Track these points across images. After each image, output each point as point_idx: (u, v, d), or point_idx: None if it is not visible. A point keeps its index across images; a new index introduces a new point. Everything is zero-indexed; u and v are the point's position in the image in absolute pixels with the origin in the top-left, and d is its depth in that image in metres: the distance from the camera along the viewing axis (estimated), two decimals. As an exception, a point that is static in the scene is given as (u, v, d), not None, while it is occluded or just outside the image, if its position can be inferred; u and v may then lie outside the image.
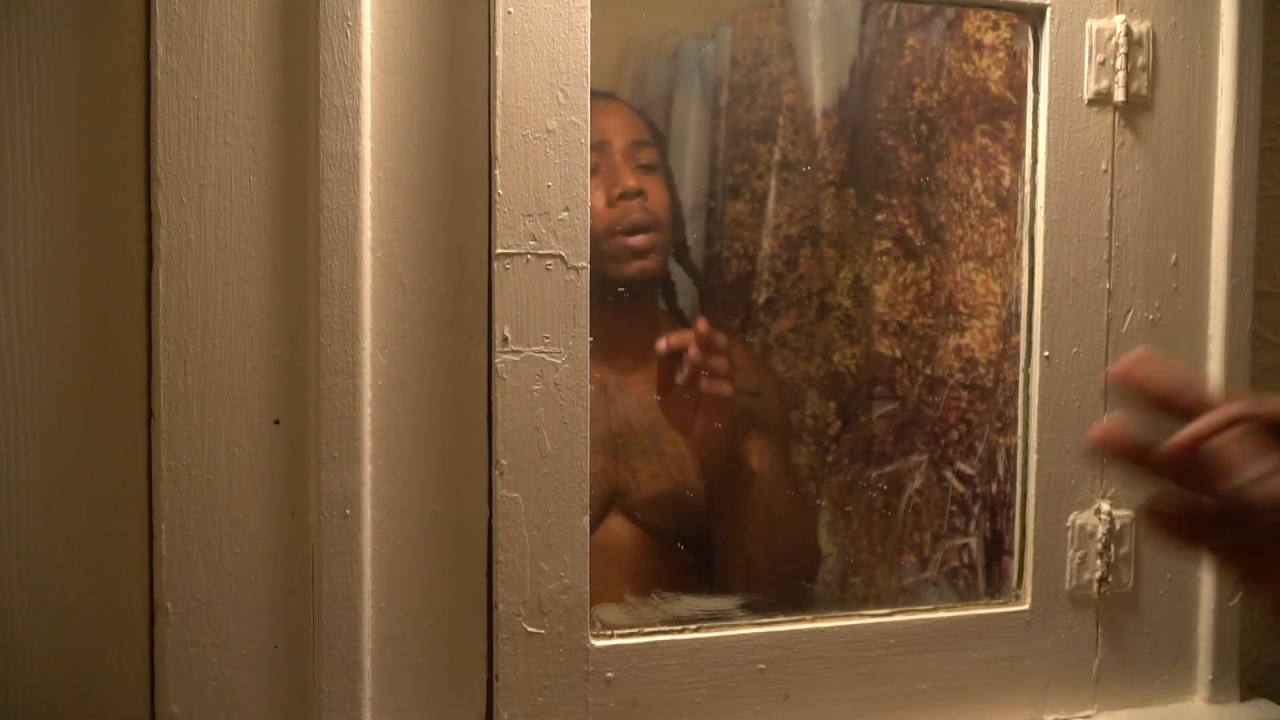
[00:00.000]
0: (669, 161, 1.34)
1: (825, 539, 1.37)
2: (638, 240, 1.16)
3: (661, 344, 1.15)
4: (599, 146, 1.17)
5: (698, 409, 1.15)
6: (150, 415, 0.83)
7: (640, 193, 1.17)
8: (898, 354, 1.42)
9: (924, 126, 1.37)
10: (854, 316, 1.44)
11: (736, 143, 1.44)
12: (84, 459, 0.83)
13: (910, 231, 1.40)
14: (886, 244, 1.42)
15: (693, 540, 1.20)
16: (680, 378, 1.15)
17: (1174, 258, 1.04)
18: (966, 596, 1.30)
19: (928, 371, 1.39)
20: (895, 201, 1.42)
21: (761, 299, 1.44)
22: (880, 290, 1.43)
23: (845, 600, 1.37)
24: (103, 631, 0.84)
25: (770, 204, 1.45)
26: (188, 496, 0.83)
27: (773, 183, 1.45)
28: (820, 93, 1.45)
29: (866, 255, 1.44)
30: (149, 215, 0.82)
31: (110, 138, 0.82)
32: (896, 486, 1.39)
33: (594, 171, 1.14)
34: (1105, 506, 1.03)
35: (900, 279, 1.41)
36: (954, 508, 1.33)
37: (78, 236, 0.82)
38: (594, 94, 1.23)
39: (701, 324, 1.16)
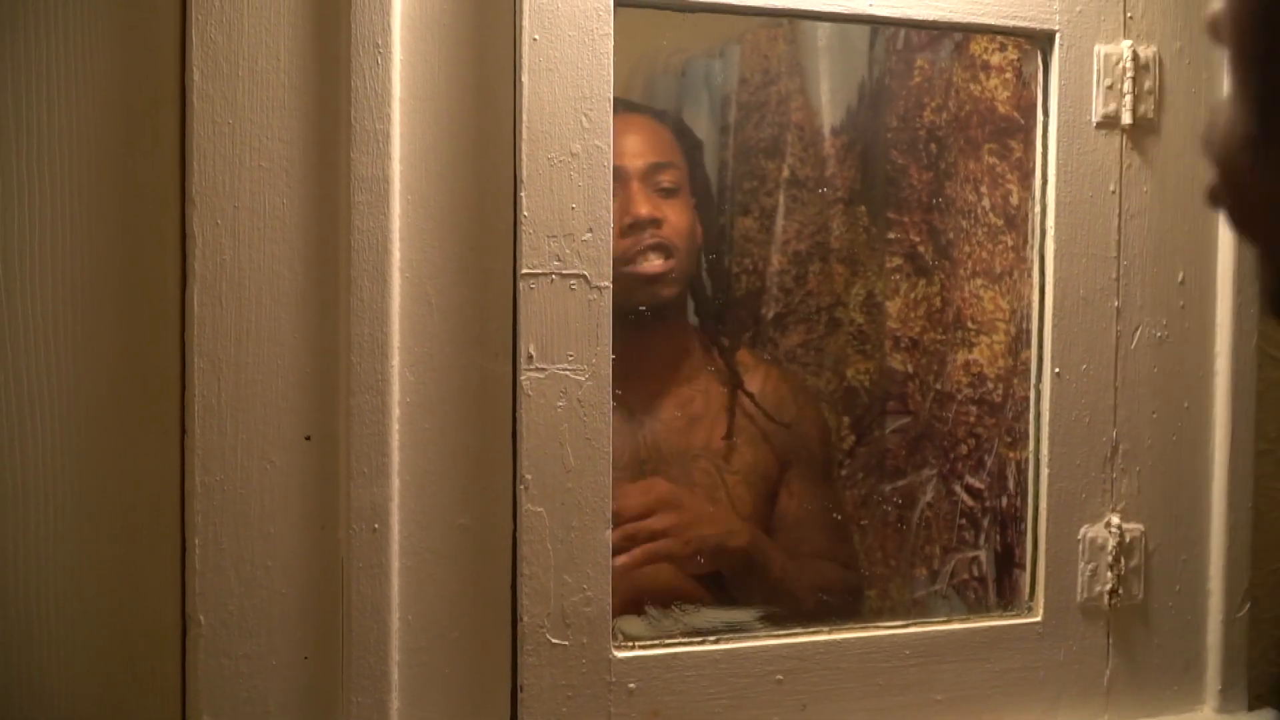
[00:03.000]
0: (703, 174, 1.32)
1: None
2: (646, 268, 1.13)
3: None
4: (614, 172, 1.16)
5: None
6: (184, 431, 0.85)
7: (654, 221, 1.13)
8: (910, 369, 1.42)
9: (933, 145, 1.39)
10: (867, 332, 1.45)
11: (745, 160, 1.46)
12: (119, 474, 0.84)
13: (921, 248, 1.41)
14: (898, 260, 1.43)
15: (726, 570, 1.18)
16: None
17: (1181, 276, 1.06)
18: (976, 608, 1.30)
19: (938, 386, 1.40)
20: (906, 219, 1.43)
21: (770, 314, 1.45)
22: (892, 306, 1.43)
23: (862, 613, 1.38)
24: (135, 643, 0.85)
25: (779, 220, 1.46)
26: (220, 510, 0.84)
27: (781, 199, 1.46)
28: (829, 111, 1.46)
29: (879, 272, 1.45)
30: (184, 236, 0.84)
31: (147, 161, 0.84)
32: (909, 500, 1.39)
33: None
34: (1115, 520, 1.05)
35: (912, 295, 1.42)
36: (963, 521, 1.34)
37: (115, 257, 0.84)
38: (622, 104, 1.23)
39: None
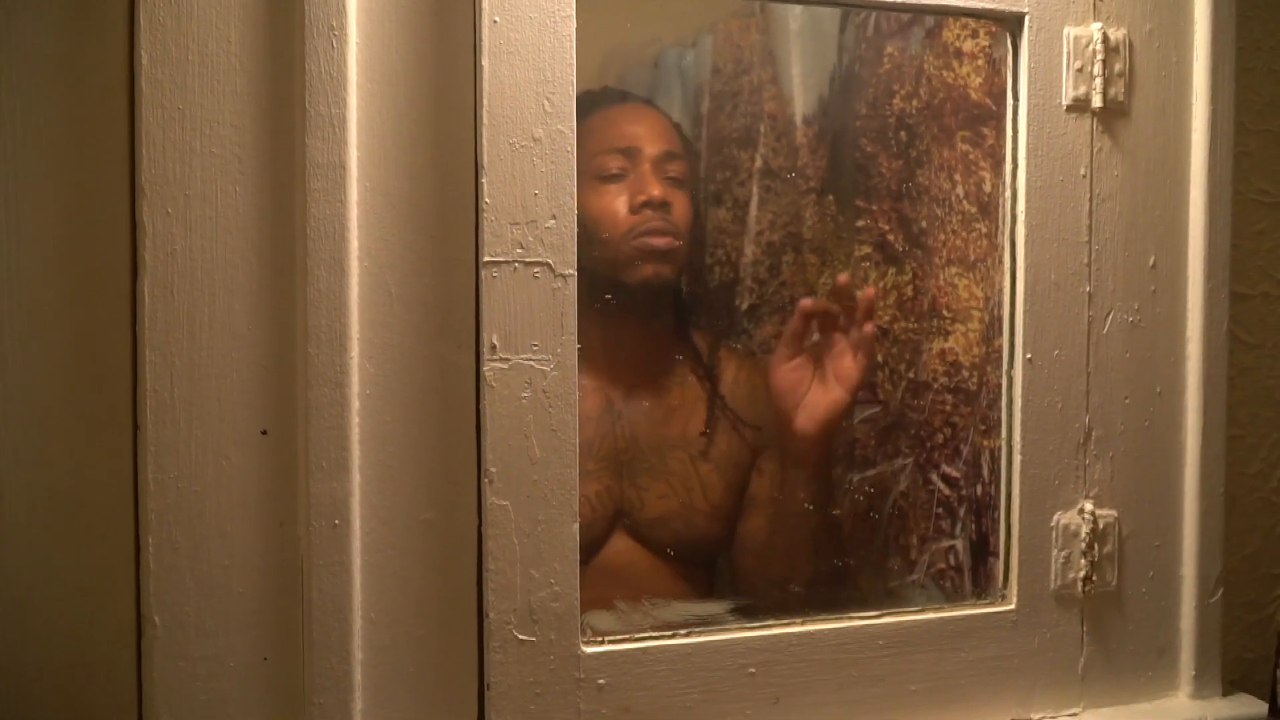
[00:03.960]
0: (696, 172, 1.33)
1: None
2: (660, 241, 1.13)
3: (806, 302, 1.15)
4: (628, 152, 1.15)
5: (813, 376, 1.15)
6: (136, 427, 0.82)
7: (665, 204, 1.14)
8: (879, 358, 1.42)
9: (903, 133, 1.38)
10: None
11: (718, 150, 1.45)
12: (69, 472, 0.82)
13: (890, 237, 1.40)
14: (866, 249, 1.43)
15: (700, 559, 1.19)
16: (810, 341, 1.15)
17: (1152, 260, 1.05)
18: (953, 598, 1.29)
19: (911, 375, 1.39)
20: (875, 207, 1.43)
21: (745, 305, 1.44)
22: (861, 295, 1.43)
23: (836, 605, 1.37)
24: (90, 646, 0.83)
25: (753, 211, 1.45)
26: (175, 509, 0.82)
27: (755, 190, 1.45)
28: (801, 100, 1.45)
29: (846, 261, 1.45)
30: (134, 226, 0.82)
31: (94, 148, 0.82)
32: (881, 490, 1.39)
33: (620, 177, 1.14)
34: (1089, 506, 1.04)
35: (881, 284, 1.42)
36: (940, 510, 1.33)
37: (62, 248, 0.81)
38: (630, 97, 1.21)
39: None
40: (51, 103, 0.81)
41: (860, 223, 1.43)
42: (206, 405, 0.83)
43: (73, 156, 0.81)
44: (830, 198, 1.44)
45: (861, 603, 1.37)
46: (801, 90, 1.45)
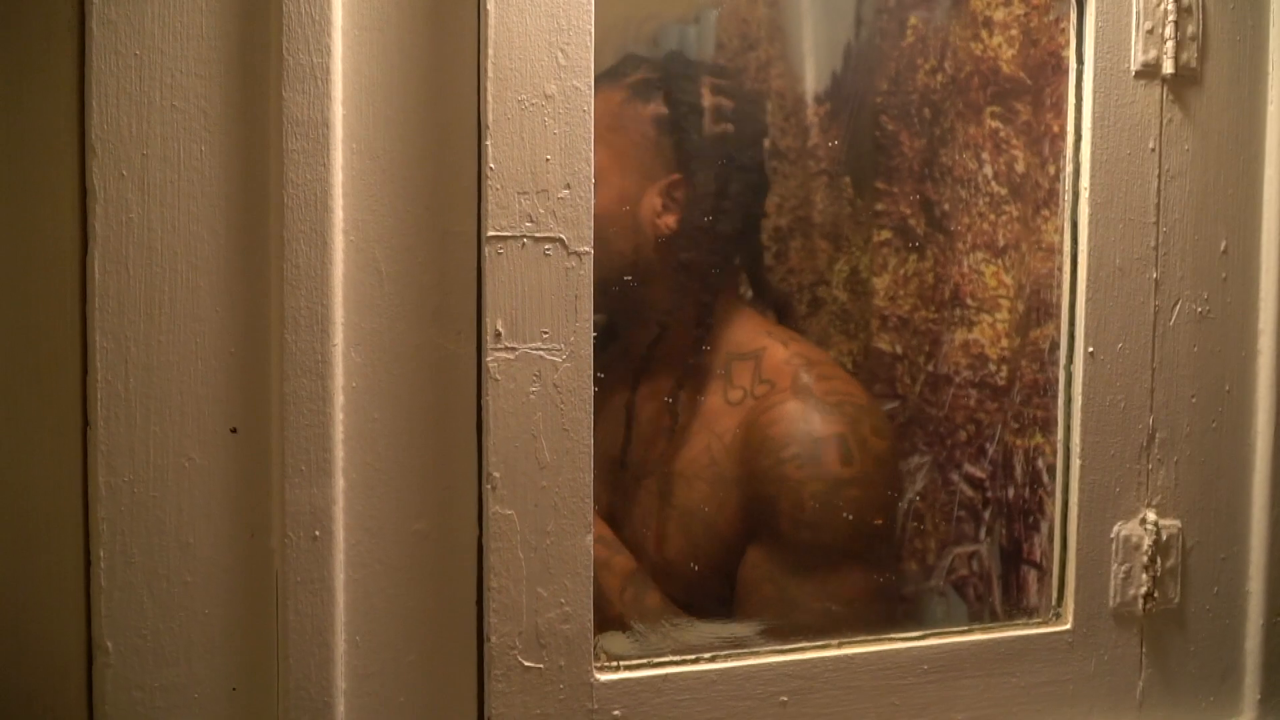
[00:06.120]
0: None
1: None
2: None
3: None
4: None
5: None
6: (86, 424, 0.75)
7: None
8: (898, 350, 1.38)
9: (927, 110, 1.34)
10: (850, 311, 1.42)
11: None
12: (9, 477, 0.75)
13: (912, 221, 1.36)
14: (886, 234, 1.39)
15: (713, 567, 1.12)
16: None
17: (1223, 245, 0.98)
18: (976, 607, 1.24)
19: (930, 368, 1.35)
20: (896, 190, 1.39)
21: (750, 295, 1.39)
22: (879, 283, 1.40)
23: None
24: (33, 674, 0.76)
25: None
26: (130, 518, 0.75)
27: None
28: (812, 77, 1.41)
29: (864, 246, 1.41)
30: (83, 191, 0.74)
31: (37, 101, 0.74)
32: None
33: None
34: (1151, 516, 0.97)
35: (901, 271, 1.38)
36: (962, 513, 1.29)
37: (-2, 216, 0.74)
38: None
39: None
40: (-15, 45, 0.73)
41: (879, 206, 1.39)
42: (166, 399, 0.75)
43: (10, 110, 0.73)
44: (845, 180, 1.40)
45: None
46: (813, 66, 1.41)
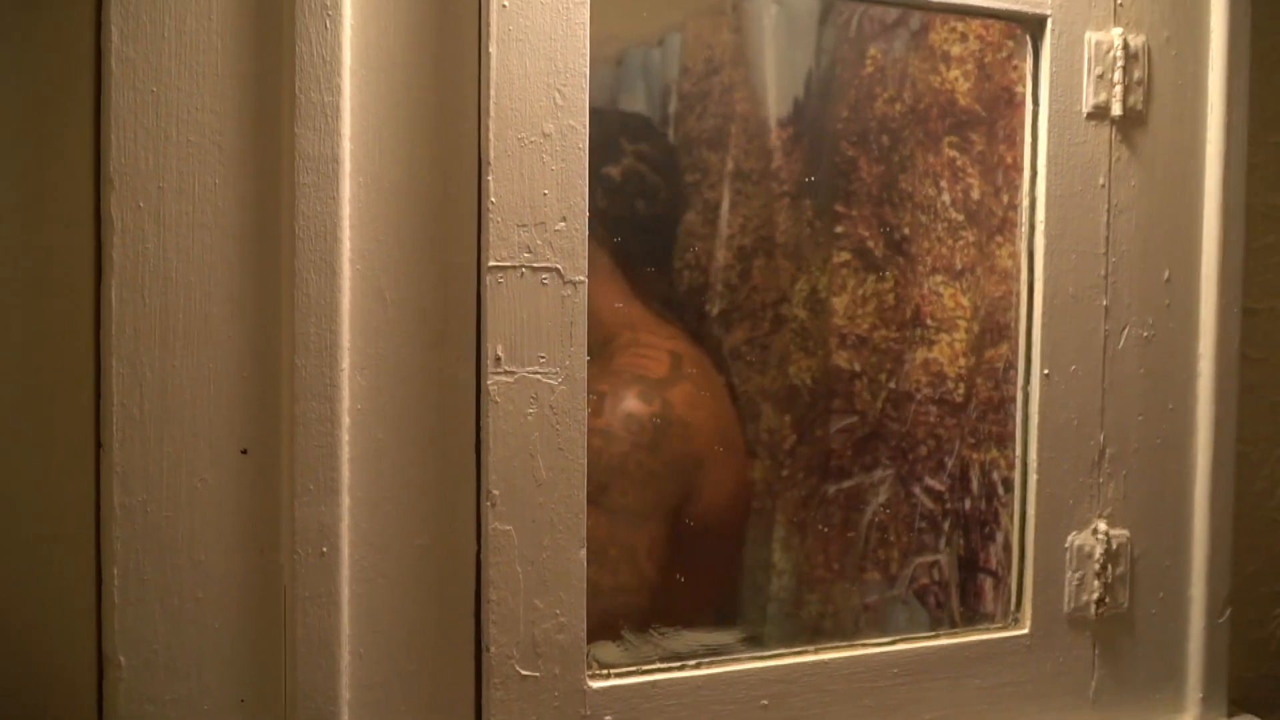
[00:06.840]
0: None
1: (779, 555, 1.34)
2: None
3: None
4: None
5: None
6: (100, 446, 0.75)
7: None
8: (856, 367, 1.40)
9: (885, 137, 1.36)
10: (810, 329, 1.43)
11: (688, 152, 1.41)
12: (26, 496, 0.75)
13: (871, 243, 1.39)
14: (845, 255, 1.41)
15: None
16: None
17: (1167, 274, 1.03)
18: (938, 615, 1.27)
19: (891, 385, 1.37)
20: (855, 213, 1.40)
21: (715, 311, 1.41)
22: (838, 302, 1.41)
23: (801, 619, 1.34)
24: (45, 689, 0.76)
25: (724, 215, 1.42)
26: (143, 536, 0.75)
27: (726, 193, 1.42)
28: (775, 102, 1.43)
29: (823, 267, 1.43)
30: (99, 221, 0.75)
31: (57, 135, 0.74)
32: (858, 502, 1.37)
33: None
34: (1102, 526, 1.02)
35: (860, 291, 1.39)
36: (923, 524, 1.32)
37: (18, 246, 0.74)
38: None
39: None
40: (7, 82, 0.73)
41: (839, 228, 1.41)
42: (180, 422, 0.76)
43: (31, 143, 0.74)
44: (806, 202, 1.42)
45: (833, 618, 1.34)
46: (776, 92, 1.42)
